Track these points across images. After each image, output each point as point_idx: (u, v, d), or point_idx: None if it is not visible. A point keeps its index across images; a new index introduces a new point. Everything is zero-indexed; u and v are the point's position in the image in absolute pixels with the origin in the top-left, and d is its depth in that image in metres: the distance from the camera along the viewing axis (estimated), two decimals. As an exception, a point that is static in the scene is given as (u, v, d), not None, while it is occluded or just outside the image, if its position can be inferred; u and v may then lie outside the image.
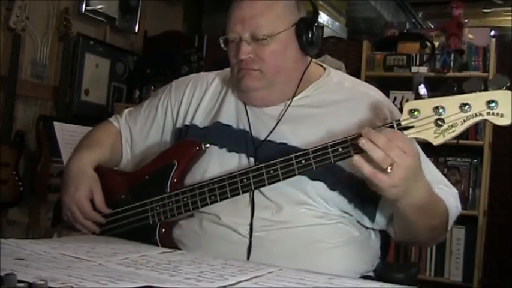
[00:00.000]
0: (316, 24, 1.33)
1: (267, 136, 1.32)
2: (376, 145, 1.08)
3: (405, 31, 3.89)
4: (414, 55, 3.43)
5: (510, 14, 5.86)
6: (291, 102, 1.34)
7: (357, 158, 1.10)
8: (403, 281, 1.30)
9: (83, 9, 3.53)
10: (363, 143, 1.09)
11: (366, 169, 1.09)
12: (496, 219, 3.34)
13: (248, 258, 1.24)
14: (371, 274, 1.34)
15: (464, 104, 1.12)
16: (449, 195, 1.30)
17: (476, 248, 3.24)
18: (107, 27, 3.79)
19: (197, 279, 0.88)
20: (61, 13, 3.36)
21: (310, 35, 1.32)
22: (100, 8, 3.66)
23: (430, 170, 1.33)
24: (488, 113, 1.11)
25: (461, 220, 3.27)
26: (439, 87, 3.32)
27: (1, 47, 3.03)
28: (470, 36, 3.40)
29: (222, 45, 1.34)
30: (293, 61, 1.34)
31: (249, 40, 1.28)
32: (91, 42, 3.62)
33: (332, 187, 1.26)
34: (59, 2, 3.39)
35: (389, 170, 1.08)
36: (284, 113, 1.34)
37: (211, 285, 0.85)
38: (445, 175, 3.56)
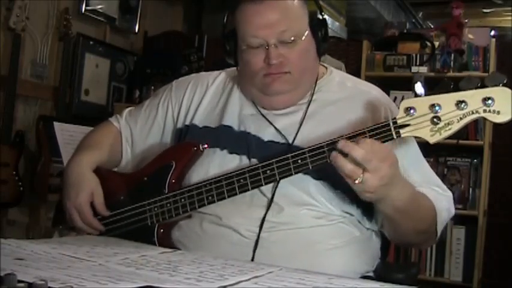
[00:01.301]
0: (326, 22, 1.35)
1: (294, 139, 1.31)
2: (349, 158, 1.10)
3: (405, 31, 3.88)
4: (414, 55, 3.43)
5: (510, 14, 5.85)
6: (310, 103, 1.35)
7: (334, 155, 1.12)
8: (403, 281, 1.30)
9: (83, 9, 3.53)
10: (333, 157, 1.12)
11: (346, 168, 1.11)
12: (496, 219, 3.34)
13: (253, 259, 1.24)
14: (371, 274, 1.34)
15: (461, 102, 1.11)
16: (441, 198, 1.30)
17: (476, 248, 3.24)
18: (107, 27, 3.78)
19: (197, 279, 0.88)
20: (61, 13, 3.36)
21: (324, 33, 1.34)
22: (100, 8, 3.66)
23: (426, 171, 1.34)
24: (484, 110, 1.11)
25: (461, 220, 3.28)
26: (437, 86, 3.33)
27: (1, 47, 3.03)
28: (470, 36, 3.40)
29: (244, 54, 1.31)
30: (313, 60, 1.36)
31: (277, 44, 1.28)
32: (91, 42, 3.62)
33: (335, 186, 1.26)
34: (59, 2, 3.39)
35: (357, 182, 1.10)
36: (305, 114, 1.33)
37: (211, 285, 0.85)
38: (445, 175, 3.53)
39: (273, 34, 1.27)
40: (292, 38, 1.28)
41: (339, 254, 1.26)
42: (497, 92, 1.10)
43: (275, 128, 1.33)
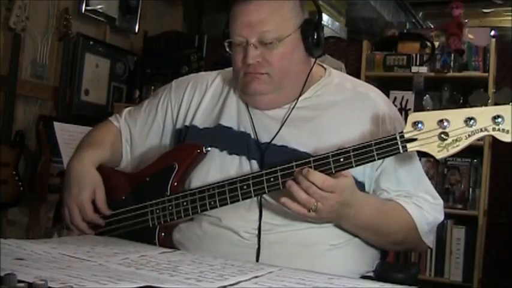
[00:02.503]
0: (320, 25, 1.33)
1: (272, 140, 1.31)
2: (301, 188, 1.14)
3: (405, 31, 3.88)
4: (414, 55, 3.43)
5: (510, 14, 5.85)
6: (295, 105, 1.34)
7: (283, 201, 1.16)
8: (403, 281, 1.30)
9: (83, 9, 3.53)
10: (289, 185, 1.16)
11: (294, 208, 1.16)
12: (496, 219, 3.33)
13: (257, 260, 1.24)
14: (371, 274, 1.34)
15: (470, 119, 1.10)
16: (427, 208, 1.31)
17: (476, 248, 3.23)
18: (107, 27, 3.78)
19: (197, 279, 0.88)
20: (61, 13, 3.36)
21: (315, 37, 1.32)
22: (100, 8, 3.66)
23: (420, 180, 1.35)
24: (493, 129, 1.10)
25: (461, 220, 3.27)
26: (440, 88, 3.32)
27: (1, 47, 3.03)
28: (470, 36, 3.39)
29: (227, 49, 1.33)
30: (299, 63, 1.34)
31: (256, 44, 1.27)
32: (91, 42, 3.61)
33: None
34: (59, 2, 3.39)
35: (311, 211, 1.14)
36: (288, 116, 1.33)
37: (211, 285, 0.85)
38: (445, 175, 3.51)
39: (254, 34, 1.27)
40: (274, 40, 1.27)
41: (337, 255, 1.26)
42: (508, 110, 1.09)
43: (253, 127, 1.34)
